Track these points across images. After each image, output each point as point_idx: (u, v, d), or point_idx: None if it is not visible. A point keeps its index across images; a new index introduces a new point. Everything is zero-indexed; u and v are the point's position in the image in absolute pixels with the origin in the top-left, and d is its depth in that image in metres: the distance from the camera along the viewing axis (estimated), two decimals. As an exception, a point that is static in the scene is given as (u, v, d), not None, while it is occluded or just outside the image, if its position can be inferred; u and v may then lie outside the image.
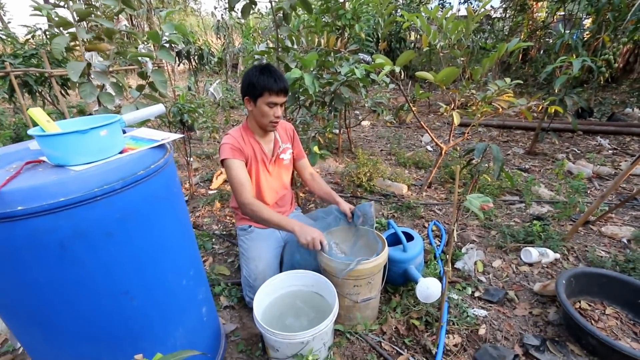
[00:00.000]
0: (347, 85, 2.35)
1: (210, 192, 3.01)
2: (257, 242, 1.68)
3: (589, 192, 2.76)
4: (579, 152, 3.69)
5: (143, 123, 2.14)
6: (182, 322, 1.11)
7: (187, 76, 7.89)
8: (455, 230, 1.20)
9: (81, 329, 0.89)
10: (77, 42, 1.66)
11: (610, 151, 3.65)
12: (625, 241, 2.07)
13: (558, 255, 1.94)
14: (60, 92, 3.41)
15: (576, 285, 1.59)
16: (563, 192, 2.70)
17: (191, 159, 2.92)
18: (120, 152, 0.89)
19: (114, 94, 1.62)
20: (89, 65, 1.59)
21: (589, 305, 1.60)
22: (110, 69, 1.68)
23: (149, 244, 0.93)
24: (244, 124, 1.69)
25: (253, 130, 1.67)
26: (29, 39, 4.17)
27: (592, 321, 1.52)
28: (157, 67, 1.77)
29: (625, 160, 3.34)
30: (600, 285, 1.61)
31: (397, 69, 2.07)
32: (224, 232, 2.38)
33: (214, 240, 2.30)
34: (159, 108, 0.98)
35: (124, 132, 1.06)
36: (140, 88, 1.71)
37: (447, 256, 1.24)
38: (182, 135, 1.07)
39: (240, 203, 1.54)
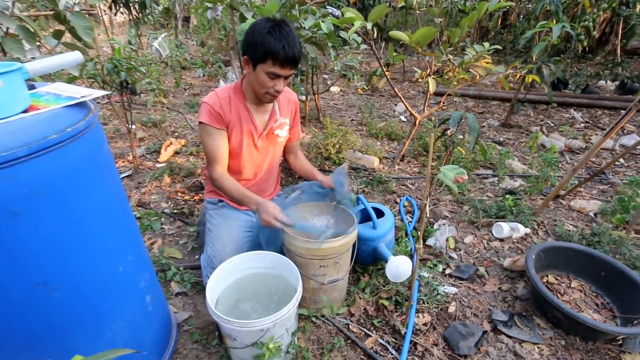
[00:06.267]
0: (312, 43, 2.24)
1: (158, 165, 2.84)
2: (228, 221, 1.57)
3: (560, 165, 2.92)
4: (552, 124, 3.87)
5: (71, 81, 1.91)
6: (120, 314, 1.04)
7: (127, 29, 7.24)
8: (427, 205, 1.20)
9: (-12, 328, 0.80)
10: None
11: (582, 124, 3.87)
12: (592, 215, 2.23)
13: (529, 230, 2.06)
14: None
15: (545, 259, 1.69)
16: (536, 166, 2.84)
17: (133, 127, 2.71)
18: (24, 112, 0.76)
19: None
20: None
21: (556, 279, 1.72)
22: (20, 12, 1.45)
23: (70, 226, 0.83)
24: (236, 83, 1.48)
25: (246, 94, 1.47)
26: None
27: (558, 294, 1.64)
28: (81, 11, 1.54)
29: (596, 134, 3.56)
30: (567, 259, 1.72)
31: (369, 25, 2.00)
32: (175, 211, 2.26)
33: (163, 220, 2.18)
34: (75, 56, 0.84)
35: (33, 87, 0.92)
36: (57, 35, 1.49)
37: (419, 233, 1.24)
38: (109, 92, 0.94)
39: (209, 176, 1.49)
